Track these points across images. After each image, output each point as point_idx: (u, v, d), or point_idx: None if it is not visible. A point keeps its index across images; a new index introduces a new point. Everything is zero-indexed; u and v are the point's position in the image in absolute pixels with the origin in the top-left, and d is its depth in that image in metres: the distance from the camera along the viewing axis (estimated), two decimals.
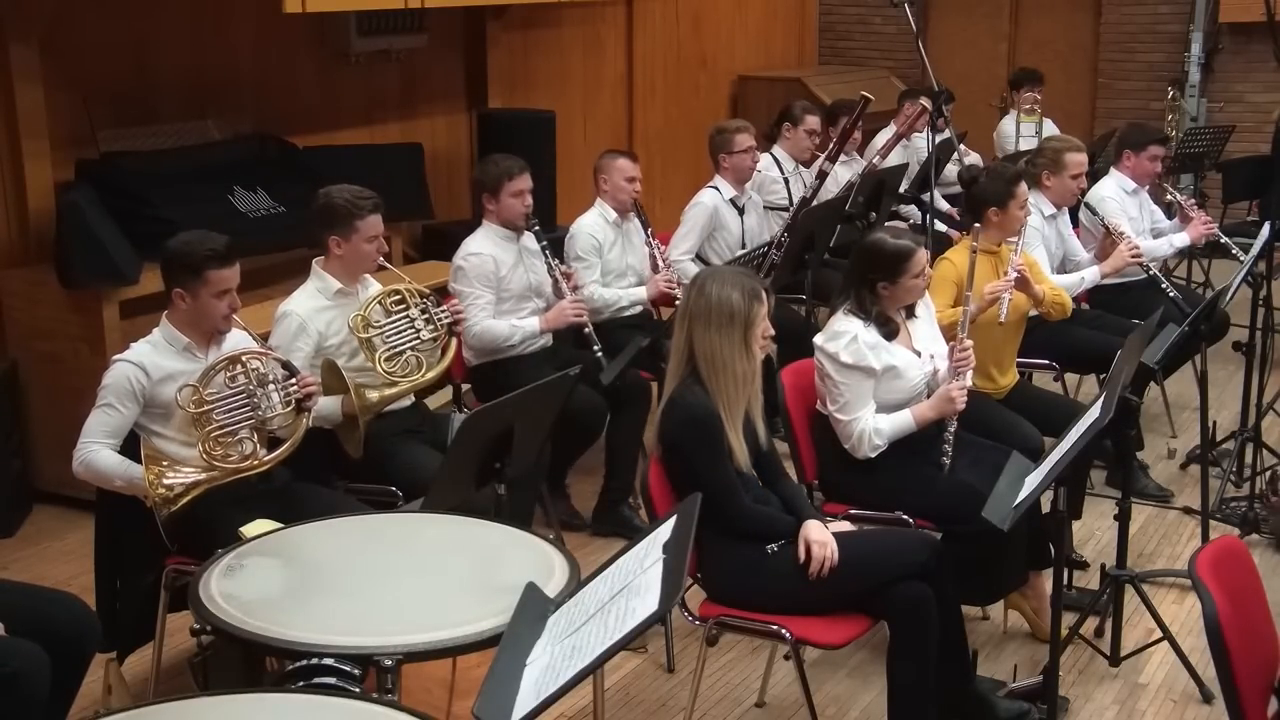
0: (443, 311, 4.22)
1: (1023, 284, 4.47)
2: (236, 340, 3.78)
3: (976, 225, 4.43)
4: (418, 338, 4.15)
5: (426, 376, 4.12)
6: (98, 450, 3.55)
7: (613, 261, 5.37)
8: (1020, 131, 8.25)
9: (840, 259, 6.53)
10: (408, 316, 4.17)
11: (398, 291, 4.19)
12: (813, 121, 6.65)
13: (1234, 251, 5.65)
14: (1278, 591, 3.03)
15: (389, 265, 4.28)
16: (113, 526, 3.74)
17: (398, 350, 4.11)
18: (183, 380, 3.61)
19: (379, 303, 4.15)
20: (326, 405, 3.94)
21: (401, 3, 5.87)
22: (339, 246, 4.14)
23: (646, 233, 5.44)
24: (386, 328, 4.12)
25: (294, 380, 3.69)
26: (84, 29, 5.39)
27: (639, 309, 5.42)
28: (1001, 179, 4.63)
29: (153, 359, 3.63)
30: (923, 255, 3.94)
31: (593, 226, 5.33)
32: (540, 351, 4.95)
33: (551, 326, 4.93)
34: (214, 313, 3.66)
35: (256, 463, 3.60)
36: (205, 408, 3.57)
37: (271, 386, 3.65)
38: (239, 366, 3.64)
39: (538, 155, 6.65)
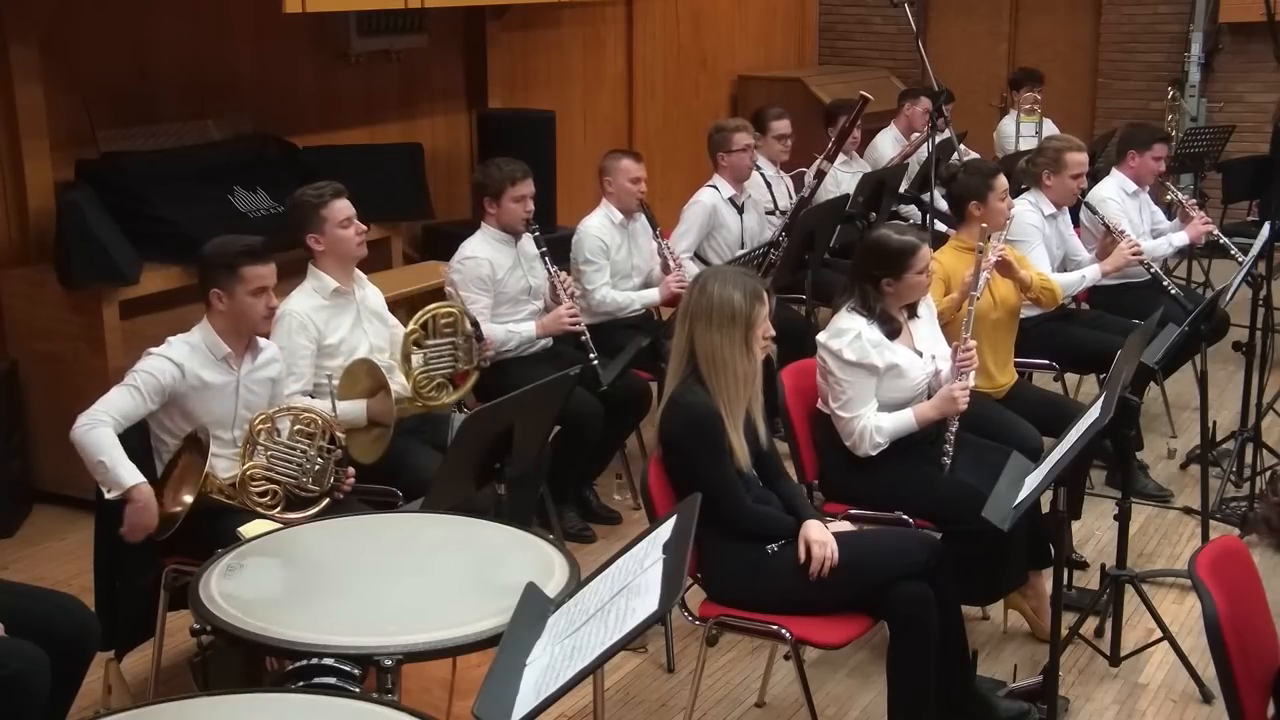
0: (488, 354, 4.31)
1: (1005, 268, 4.45)
2: (272, 354, 3.82)
3: (984, 226, 4.42)
4: (453, 367, 4.19)
5: (443, 401, 4.14)
6: (105, 425, 3.50)
7: (620, 263, 5.36)
8: (1020, 131, 8.25)
9: (840, 259, 6.56)
10: (452, 343, 4.23)
11: (452, 313, 4.25)
12: (780, 127, 6.63)
13: (1233, 253, 5.64)
14: (1278, 591, 3.03)
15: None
16: (112, 526, 3.74)
17: (432, 373, 4.17)
18: (214, 393, 3.63)
19: (433, 316, 4.21)
20: (350, 410, 3.95)
21: (401, 3, 5.87)
22: (318, 242, 4.16)
23: (655, 232, 5.42)
24: (429, 350, 4.18)
25: (345, 471, 3.69)
26: (84, 29, 5.38)
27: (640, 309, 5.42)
28: (979, 173, 4.64)
29: (191, 364, 3.64)
30: (927, 251, 3.94)
31: (599, 229, 5.31)
32: (540, 352, 4.95)
33: (547, 334, 4.93)
34: (252, 312, 3.68)
35: (264, 511, 3.56)
36: (261, 441, 3.58)
37: (322, 459, 3.65)
38: (313, 426, 3.66)
39: (538, 155, 6.66)
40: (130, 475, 3.45)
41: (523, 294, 4.94)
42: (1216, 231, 5.91)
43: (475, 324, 3.81)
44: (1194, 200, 6.06)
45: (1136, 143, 5.87)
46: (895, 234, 3.95)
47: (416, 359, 4.15)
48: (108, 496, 3.46)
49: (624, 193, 5.32)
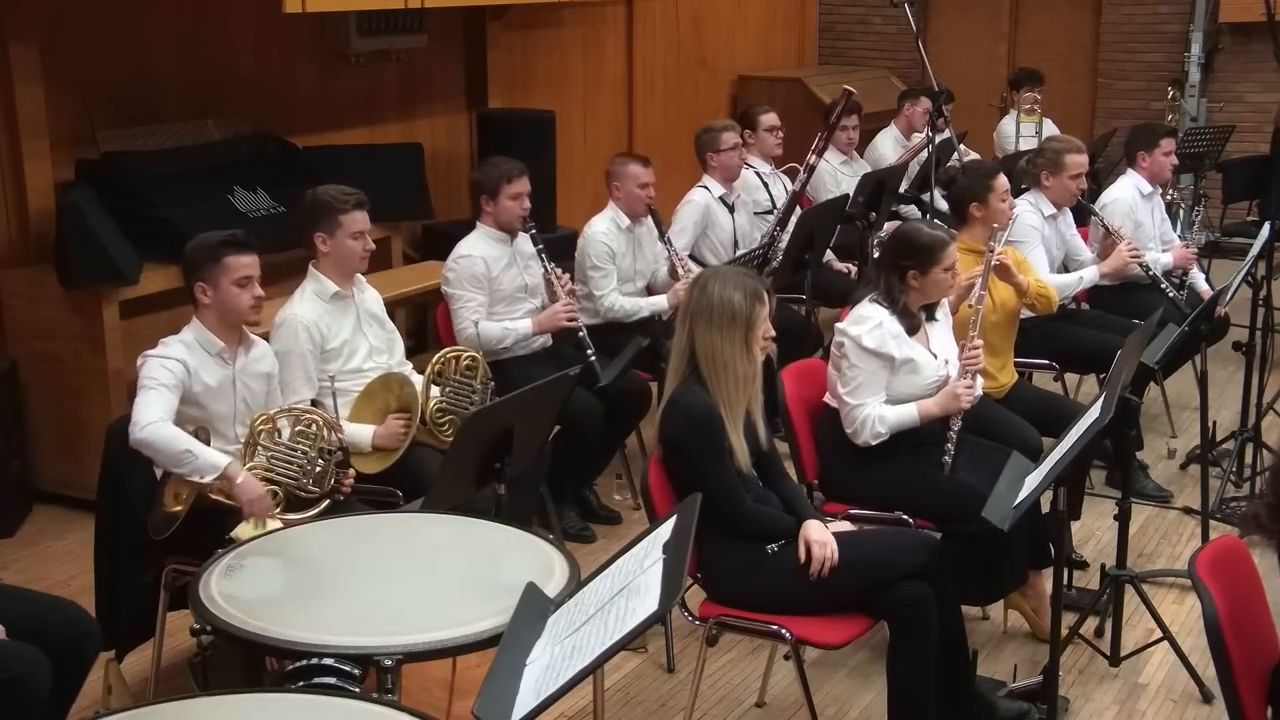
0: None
1: (1003, 272, 4.45)
2: (265, 349, 3.82)
3: (996, 226, 4.41)
4: (467, 408, 4.19)
5: (445, 438, 4.13)
6: (164, 422, 3.46)
7: (624, 269, 5.35)
8: (1020, 131, 8.26)
9: (840, 259, 6.56)
10: (471, 386, 4.25)
11: (474, 360, 4.29)
12: (768, 119, 6.61)
13: (1171, 295, 5.40)
14: (1278, 591, 3.02)
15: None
16: (112, 526, 3.74)
17: (447, 409, 4.17)
18: (214, 394, 3.63)
19: (455, 358, 4.25)
20: (355, 434, 3.95)
21: (401, 3, 5.87)
22: (325, 244, 4.15)
23: (665, 239, 5.40)
24: (450, 387, 4.20)
25: (345, 472, 3.68)
26: (84, 29, 5.38)
27: None
28: (978, 174, 4.64)
29: (192, 362, 3.63)
30: (954, 249, 3.95)
31: (606, 234, 5.27)
32: (541, 352, 4.95)
33: (543, 329, 4.92)
34: (239, 303, 3.65)
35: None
36: (261, 442, 3.57)
37: (322, 461, 3.64)
38: (314, 427, 3.65)
39: (538, 155, 6.67)
40: (221, 456, 3.48)
41: (519, 292, 4.94)
42: (1145, 261, 5.46)
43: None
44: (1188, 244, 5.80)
45: (1143, 143, 5.83)
46: (926, 228, 3.99)
47: (435, 391, 4.17)
48: (204, 480, 3.44)
49: (631, 198, 5.29)
